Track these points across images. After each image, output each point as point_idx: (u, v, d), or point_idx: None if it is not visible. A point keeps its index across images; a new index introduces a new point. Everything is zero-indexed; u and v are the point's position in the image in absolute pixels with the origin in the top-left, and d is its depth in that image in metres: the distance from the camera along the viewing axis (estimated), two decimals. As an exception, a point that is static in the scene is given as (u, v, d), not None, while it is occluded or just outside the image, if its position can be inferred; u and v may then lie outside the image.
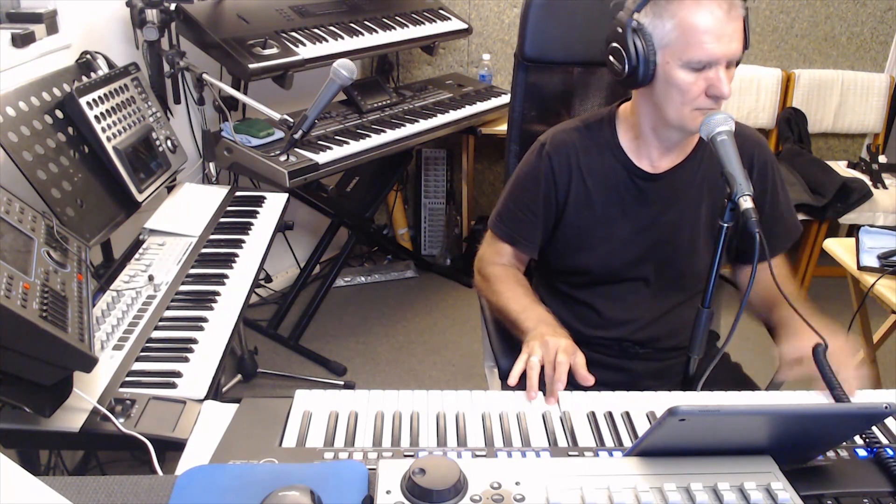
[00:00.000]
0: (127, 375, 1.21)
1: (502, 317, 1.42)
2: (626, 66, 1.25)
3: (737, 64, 1.26)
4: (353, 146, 2.41)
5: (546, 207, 1.43)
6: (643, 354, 1.47)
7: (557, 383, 1.14)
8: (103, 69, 1.86)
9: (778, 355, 1.28)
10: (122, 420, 1.09)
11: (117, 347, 1.29)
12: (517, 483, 0.85)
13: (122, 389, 1.17)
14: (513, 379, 1.17)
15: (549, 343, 1.20)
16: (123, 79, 1.82)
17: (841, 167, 3.29)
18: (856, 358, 1.20)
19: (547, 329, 1.26)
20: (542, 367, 1.18)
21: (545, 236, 1.46)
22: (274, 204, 1.98)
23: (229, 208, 1.92)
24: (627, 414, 1.11)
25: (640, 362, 1.48)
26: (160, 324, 1.37)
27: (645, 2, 1.23)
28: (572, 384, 1.17)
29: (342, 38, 2.56)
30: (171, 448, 1.05)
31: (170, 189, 1.97)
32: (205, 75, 2.03)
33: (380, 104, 2.76)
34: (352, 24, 2.67)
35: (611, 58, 1.28)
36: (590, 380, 1.18)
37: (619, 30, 1.24)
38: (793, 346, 1.26)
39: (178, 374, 1.22)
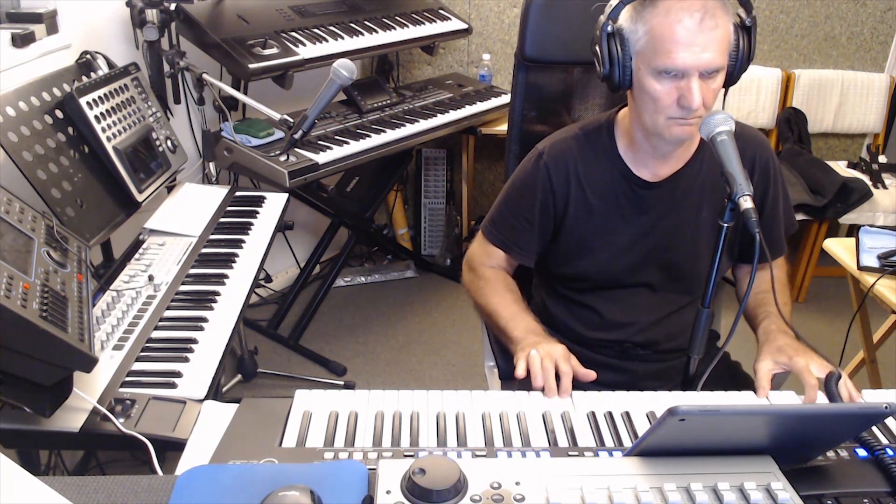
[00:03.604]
0: (127, 375, 1.21)
1: (490, 321, 1.43)
2: (603, 71, 1.26)
3: (742, 66, 1.25)
4: (353, 146, 2.41)
5: (543, 217, 1.42)
6: (643, 356, 1.47)
7: (564, 394, 1.15)
8: (103, 69, 1.86)
9: (755, 370, 1.25)
10: (122, 420, 1.09)
11: (117, 347, 1.29)
12: (517, 483, 0.85)
13: (122, 389, 1.17)
14: (521, 371, 1.18)
15: (544, 348, 1.21)
16: (123, 79, 1.81)
17: (841, 167, 3.29)
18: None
19: (536, 339, 1.27)
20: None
21: (543, 245, 1.46)
22: (274, 204, 1.98)
23: (229, 208, 1.92)
24: (627, 414, 1.11)
25: (640, 363, 1.48)
26: (160, 324, 1.37)
27: (620, 8, 1.23)
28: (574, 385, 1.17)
29: (342, 38, 2.56)
30: (171, 448, 1.05)
31: (170, 189, 1.97)
32: (205, 75, 2.03)
33: (380, 104, 2.76)
34: (352, 24, 2.67)
35: (595, 60, 1.28)
36: (591, 375, 1.19)
37: (598, 33, 1.25)
38: (767, 363, 1.24)
39: (178, 374, 1.22)
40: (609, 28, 1.23)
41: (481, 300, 1.45)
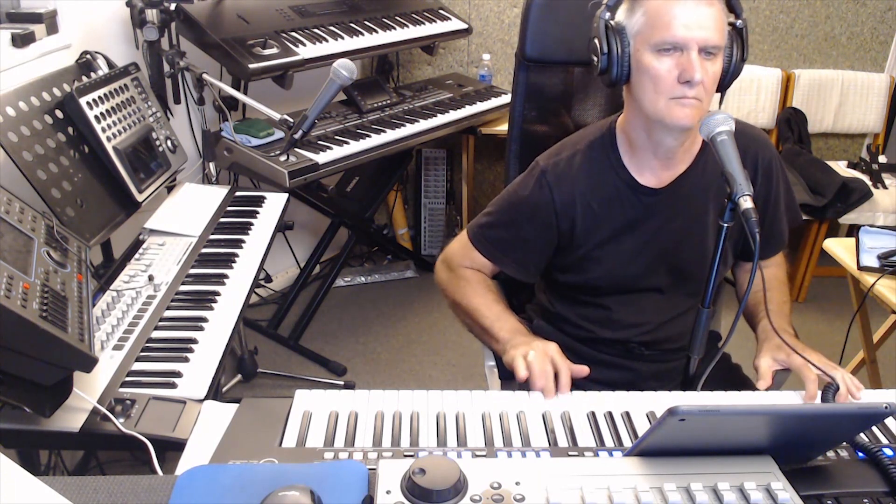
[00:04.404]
0: (127, 375, 1.21)
1: (471, 320, 1.41)
2: (601, 61, 1.26)
3: (737, 69, 1.26)
4: (353, 146, 2.41)
5: (546, 236, 1.40)
6: (648, 356, 1.47)
7: (564, 389, 1.15)
8: (103, 69, 1.86)
9: (755, 366, 1.28)
10: (122, 420, 1.09)
11: (117, 347, 1.29)
12: (517, 483, 0.85)
13: (122, 389, 1.17)
14: (523, 373, 1.17)
15: (539, 347, 1.21)
16: (123, 79, 1.81)
17: (841, 167, 3.29)
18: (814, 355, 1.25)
19: (525, 338, 1.27)
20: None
21: (541, 260, 1.45)
22: (274, 204, 1.98)
23: (229, 208, 1.92)
24: (627, 414, 1.11)
25: (643, 363, 1.47)
26: (160, 324, 1.37)
27: (619, 0, 1.25)
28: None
29: (342, 38, 2.56)
30: (171, 448, 1.05)
31: (170, 189, 1.97)
32: (205, 75, 2.03)
33: (380, 104, 2.76)
34: (352, 24, 2.67)
35: (592, 56, 1.29)
36: (584, 370, 1.20)
37: (595, 25, 1.26)
38: (767, 360, 1.27)
39: (178, 374, 1.22)
40: (606, 17, 1.25)
41: (461, 299, 1.43)
